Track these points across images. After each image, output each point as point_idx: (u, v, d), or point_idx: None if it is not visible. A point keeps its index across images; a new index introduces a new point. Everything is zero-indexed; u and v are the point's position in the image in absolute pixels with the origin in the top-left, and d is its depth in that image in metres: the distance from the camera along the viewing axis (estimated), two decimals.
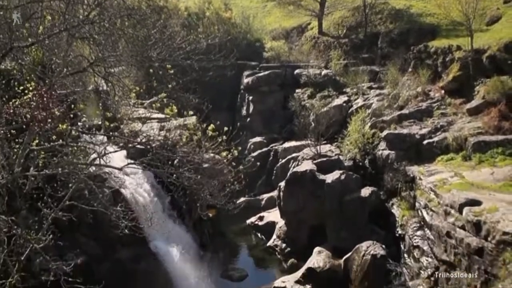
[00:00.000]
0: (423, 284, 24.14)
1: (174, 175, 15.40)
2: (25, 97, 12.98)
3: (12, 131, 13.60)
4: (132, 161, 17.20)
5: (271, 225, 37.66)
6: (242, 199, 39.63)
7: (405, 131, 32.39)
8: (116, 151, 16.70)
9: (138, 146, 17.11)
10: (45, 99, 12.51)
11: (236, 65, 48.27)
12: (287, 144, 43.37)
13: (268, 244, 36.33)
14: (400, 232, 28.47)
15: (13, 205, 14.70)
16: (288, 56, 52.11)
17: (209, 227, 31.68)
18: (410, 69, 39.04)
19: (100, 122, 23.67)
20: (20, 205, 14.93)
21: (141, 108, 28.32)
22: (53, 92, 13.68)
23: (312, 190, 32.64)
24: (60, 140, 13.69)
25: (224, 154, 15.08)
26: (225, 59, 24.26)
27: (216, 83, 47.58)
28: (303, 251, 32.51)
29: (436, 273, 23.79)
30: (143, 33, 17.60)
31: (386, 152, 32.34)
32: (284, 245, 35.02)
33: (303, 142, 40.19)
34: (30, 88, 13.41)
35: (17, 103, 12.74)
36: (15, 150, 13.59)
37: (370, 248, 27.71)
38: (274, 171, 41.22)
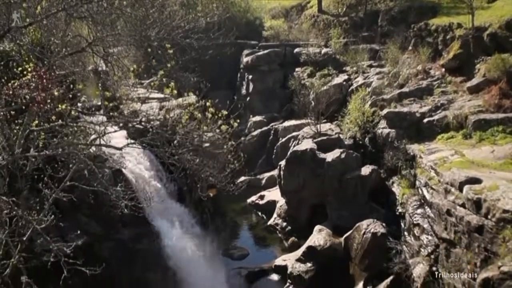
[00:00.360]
0: (423, 262, 24.25)
1: (175, 156, 15.37)
2: (24, 78, 12.89)
3: (11, 112, 13.53)
4: (133, 141, 17.17)
5: (272, 204, 37.81)
6: (242, 178, 39.75)
7: (405, 109, 32.30)
8: (115, 131, 16.66)
9: (138, 126, 17.07)
10: (44, 80, 12.44)
11: (236, 44, 48.09)
12: (287, 123, 43.41)
13: (268, 223, 36.52)
14: (400, 210, 28.53)
15: (14, 186, 14.70)
16: (287, 35, 51.89)
17: (210, 207, 31.74)
18: (410, 47, 38.88)
19: (99, 103, 23.62)
20: (21, 186, 14.92)
21: (140, 88, 28.21)
22: (52, 73, 13.61)
23: (313, 168, 32.70)
24: (60, 121, 13.63)
25: (224, 127, 14.99)
26: (225, 37, 24.07)
27: (216, 62, 47.46)
28: (303, 230, 32.70)
29: (436, 250, 23.91)
30: (142, 12, 17.47)
31: (386, 130, 32.30)
32: (284, 223, 35.21)
33: (303, 121, 40.21)
34: (29, 69, 13.31)
35: (16, 84, 12.65)
36: (15, 131, 13.54)
37: (370, 226, 27.82)
38: (274, 150, 41.27)
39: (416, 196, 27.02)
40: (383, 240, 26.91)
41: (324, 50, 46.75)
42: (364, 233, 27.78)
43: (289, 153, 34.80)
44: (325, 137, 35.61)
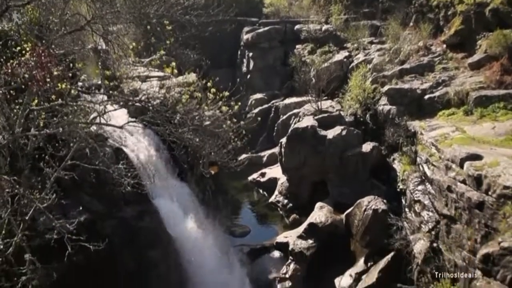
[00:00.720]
0: (424, 238, 24.37)
1: (176, 134, 15.36)
2: (22, 58, 12.83)
3: (11, 91, 13.50)
4: (133, 119, 17.16)
5: (273, 181, 37.95)
6: (243, 156, 39.80)
7: (406, 86, 32.20)
8: (116, 110, 16.64)
9: (138, 104, 17.04)
10: (43, 58, 12.39)
11: (236, 21, 47.79)
12: (288, 101, 43.34)
13: (270, 200, 36.68)
14: (401, 186, 28.60)
15: (15, 166, 14.73)
16: (288, 12, 51.62)
17: (211, 184, 31.84)
18: (411, 23, 38.63)
19: (99, 81, 23.54)
20: (22, 165, 14.95)
21: (140, 66, 28.10)
22: (51, 51, 13.54)
23: (313, 146, 32.74)
24: (60, 100, 13.60)
25: (224, 108, 14.95)
26: (224, 14, 23.89)
27: (216, 39, 47.19)
28: (305, 207, 32.86)
29: (437, 227, 24.01)
30: None
31: (387, 107, 32.26)
32: (286, 201, 35.36)
33: (304, 98, 40.15)
34: (28, 49, 13.25)
35: (15, 63, 12.60)
36: (15, 110, 13.52)
37: (371, 203, 27.93)
38: (275, 128, 41.31)
39: (417, 173, 27.06)
40: (384, 216, 27.02)
41: (324, 27, 46.51)
42: (365, 210, 27.89)
43: (290, 130, 34.83)
44: (326, 114, 35.59)
